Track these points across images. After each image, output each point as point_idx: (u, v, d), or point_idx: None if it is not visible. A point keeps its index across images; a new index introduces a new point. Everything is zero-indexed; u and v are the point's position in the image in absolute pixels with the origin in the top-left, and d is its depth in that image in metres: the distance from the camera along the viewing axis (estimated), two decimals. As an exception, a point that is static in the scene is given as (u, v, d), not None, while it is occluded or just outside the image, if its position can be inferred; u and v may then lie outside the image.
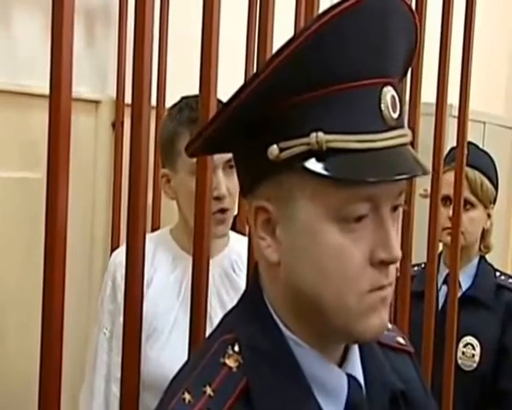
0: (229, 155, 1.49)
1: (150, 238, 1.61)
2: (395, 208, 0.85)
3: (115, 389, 1.55)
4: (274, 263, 0.85)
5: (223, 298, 1.60)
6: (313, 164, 0.80)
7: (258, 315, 0.88)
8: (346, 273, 0.81)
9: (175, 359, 1.45)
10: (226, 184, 1.54)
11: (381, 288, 0.83)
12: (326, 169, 0.79)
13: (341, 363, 0.90)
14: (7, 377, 1.78)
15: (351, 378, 0.88)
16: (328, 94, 0.79)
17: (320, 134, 0.78)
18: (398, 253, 0.83)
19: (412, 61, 0.89)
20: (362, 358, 0.92)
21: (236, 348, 0.86)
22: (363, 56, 0.80)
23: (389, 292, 0.84)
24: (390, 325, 1.00)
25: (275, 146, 0.81)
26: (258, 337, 0.86)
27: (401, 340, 1.03)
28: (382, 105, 0.81)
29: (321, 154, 0.79)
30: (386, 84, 0.82)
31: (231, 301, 1.58)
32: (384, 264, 0.82)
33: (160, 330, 1.55)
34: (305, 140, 0.79)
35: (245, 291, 0.95)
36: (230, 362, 0.85)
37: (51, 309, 1.06)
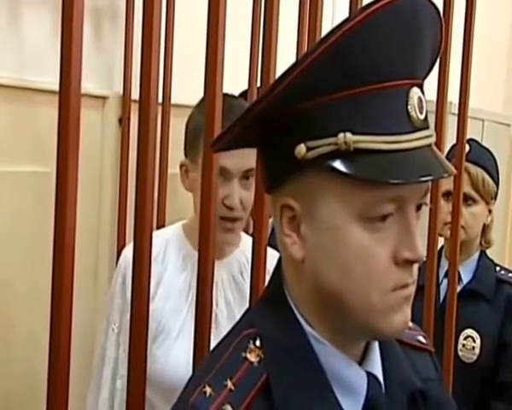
0: (248, 166, 1.49)
1: (161, 235, 1.60)
2: (419, 206, 0.85)
3: (120, 385, 1.55)
4: (298, 260, 0.86)
5: (230, 301, 1.59)
6: (339, 164, 0.80)
7: (280, 311, 0.89)
8: (371, 272, 0.81)
9: (181, 361, 1.46)
10: (240, 195, 1.51)
11: (405, 286, 0.83)
12: (352, 169, 0.79)
13: (361, 361, 0.90)
14: (14, 366, 1.80)
15: (370, 376, 0.88)
16: (356, 95, 0.79)
17: (348, 134, 0.79)
18: (423, 252, 0.83)
19: (436, 62, 0.88)
20: (382, 356, 0.92)
21: (258, 343, 0.87)
22: (393, 57, 0.80)
23: (412, 290, 0.85)
24: (411, 324, 1.00)
25: (302, 145, 0.81)
26: (279, 333, 0.87)
27: (422, 339, 1.04)
28: (409, 106, 0.81)
29: (347, 154, 0.79)
30: (413, 85, 0.82)
31: (236, 304, 1.58)
32: (408, 263, 0.82)
33: (168, 330, 1.54)
34: (332, 140, 0.79)
35: (267, 287, 0.95)
36: (251, 357, 0.86)
37: (60, 303, 1.07)
